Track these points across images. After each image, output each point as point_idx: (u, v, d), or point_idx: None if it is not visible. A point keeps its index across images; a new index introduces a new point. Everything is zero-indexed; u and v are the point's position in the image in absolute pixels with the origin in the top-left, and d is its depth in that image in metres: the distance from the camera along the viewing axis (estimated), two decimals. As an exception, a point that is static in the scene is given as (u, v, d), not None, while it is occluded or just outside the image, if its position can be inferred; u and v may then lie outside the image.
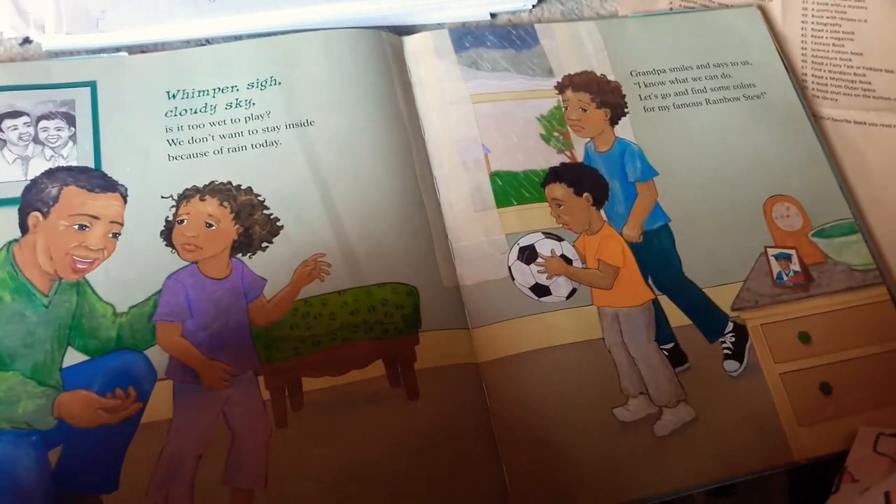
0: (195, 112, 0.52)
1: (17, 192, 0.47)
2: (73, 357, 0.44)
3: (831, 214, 0.55)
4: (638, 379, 0.47)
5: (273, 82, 0.53)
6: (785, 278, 0.52)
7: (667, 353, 0.49)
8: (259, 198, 0.49)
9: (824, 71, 0.63)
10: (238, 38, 0.57)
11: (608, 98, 0.57)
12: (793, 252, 0.53)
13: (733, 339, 0.49)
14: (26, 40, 0.56)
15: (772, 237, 0.53)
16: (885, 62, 0.63)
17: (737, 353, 0.49)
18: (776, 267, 0.52)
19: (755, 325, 0.50)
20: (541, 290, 0.49)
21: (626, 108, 0.57)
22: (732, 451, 0.46)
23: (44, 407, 0.42)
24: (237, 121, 0.52)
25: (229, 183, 0.49)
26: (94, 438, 0.42)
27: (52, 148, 0.49)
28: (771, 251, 0.53)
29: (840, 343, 0.50)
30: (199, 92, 0.53)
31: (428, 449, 0.44)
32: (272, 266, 0.47)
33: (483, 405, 0.46)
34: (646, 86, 0.58)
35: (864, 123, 0.60)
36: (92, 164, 0.49)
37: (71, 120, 0.50)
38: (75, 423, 0.42)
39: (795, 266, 0.52)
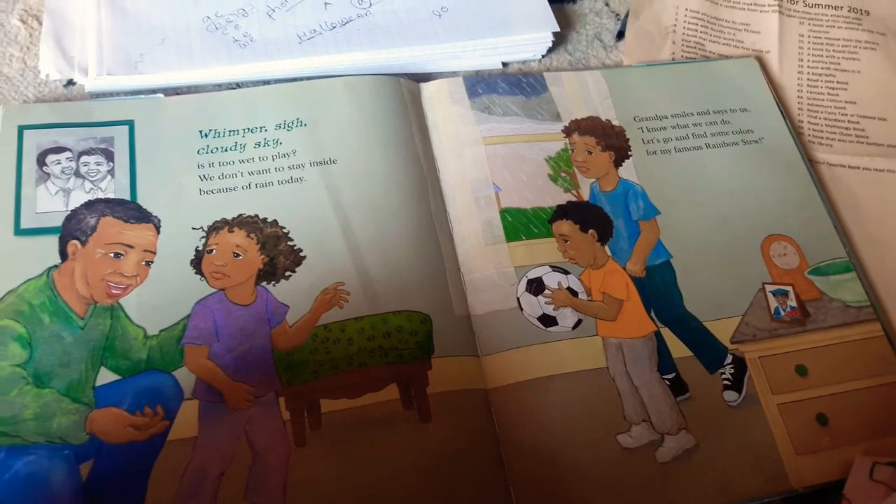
0: (226, 150, 0.55)
1: (58, 222, 0.50)
2: (105, 376, 0.46)
3: (827, 253, 0.57)
4: (641, 407, 0.49)
5: (299, 123, 0.57)
6: (782, 313, 0.54)
7: (668, 383, 0.50)
8: (284, 230, 0.52)
9: (820, 118, 0.66)
10: (266, 82, 0.61)
11: (612, 142, 0.60)
12: (790, 289, 0.55)
13: (732, 371, 0.51)
14: (70, 82, 0.60)
15: (769, 274, 0.56)
16: (878, 110, 0.66)
17: (736, 384, 0.51)
18: (773, 302, 0.54)
19: (753, 357, 0.52)
20: (548, 321, 0.51)
21: (630, 151, 0.60)
22: (732, 478, 0.47)
23: (77, 423, 0.44)
24: (265, 159, 0.55)
25: (256, 216, 0.52)
26: (123, 454, 0.44)
27: (92, 181, 0.53)
28: (769, 287, 0.55)
29: (836, 376, 0.52)
30: (230, 132, 0.56)
31: (439, 470, 0.45)
32: (294, 294, 0.50)
33: (492, 429, 0.47)
34: (648, 130, 0.61)
35: (858, 168, 0.63)
36: (128, 197, 0.52)
37: (110, 156, 0.54)
38: (106, 439, 0.44)
39: (792, 302, 0.55)
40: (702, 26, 0.71)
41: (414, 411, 0.47)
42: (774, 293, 0.55)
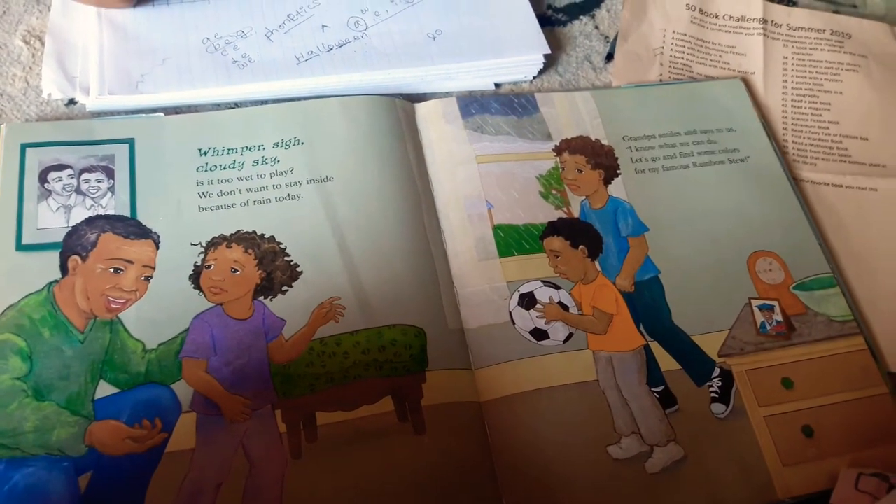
0: (224, 168, 0.56)
1: (59, 238, 0.51)
2: (104, 389, 0.47)
3: (811, 269, 0.58)
4: (630, 419, 0.50)
5: (296, 142, 0.58)
6: (768, 327, 0.55)
7: (657, 396, 0.51)
8: (281, 246, 0.53)
9: (804, 137, 0.68)
10: (265, 102, 0.62)
11: (602, 160, 0.62)
12: (775, 303, 0.56)
13: (720, 384, 0.52)
14: (72, 101, 0.61)
15: (755, 289, 0.57)
16: (860, 130, 0.68)
17: (723, 397, 0.52)
18: (760, 317, 0.56)
19: (740, 370, 0.53)
20: (539, 334, 0.52)
21: (619, 169, 0.61)
22: (720, 488, 0.48)
23: (76, 435, 0.45)
24: (263, 176, 0.56)
25: (254, 232, 0.53)
26: (121, 466, 0.44)
27: (93, 198, 0.53)
28: (755, 302, 0.56)
29: (821, 389, 0.53)
30: (229, 150, 0.57)
31: (433, 481, 0.46)
32: (291, 308, 0.51)
33: (485, 441, 0.48)
34: (637, 149, 0.63)
35: (841, 186, 0.65)
36: (128, 214, 0.53)
37: (110, 173, 0.55)
38: (105, 451, 0.45)
39: (778, 316, 0.56)
40: (689, 48, 0.73)
41: (408, 424, 0.48)
42: (760, 308, 0.56)
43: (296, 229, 0.54)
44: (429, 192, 0.58)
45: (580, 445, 0.49)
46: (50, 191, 0.53)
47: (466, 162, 0.59)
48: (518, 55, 0.66)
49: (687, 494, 0.48)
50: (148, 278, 0.51)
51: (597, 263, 0.56)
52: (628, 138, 0.63)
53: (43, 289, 0.49)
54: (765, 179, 0.63)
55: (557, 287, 0.55)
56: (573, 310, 0.54)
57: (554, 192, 0.59)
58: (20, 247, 0.51)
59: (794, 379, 0.53)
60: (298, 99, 0.62)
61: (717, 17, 0.75)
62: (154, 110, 0.60)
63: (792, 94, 0.71)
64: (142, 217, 0.53)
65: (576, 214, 0.58)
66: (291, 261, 0.52)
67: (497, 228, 0.56)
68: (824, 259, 0.59)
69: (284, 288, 0.51)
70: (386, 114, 0.60)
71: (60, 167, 0.54)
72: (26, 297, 0.49)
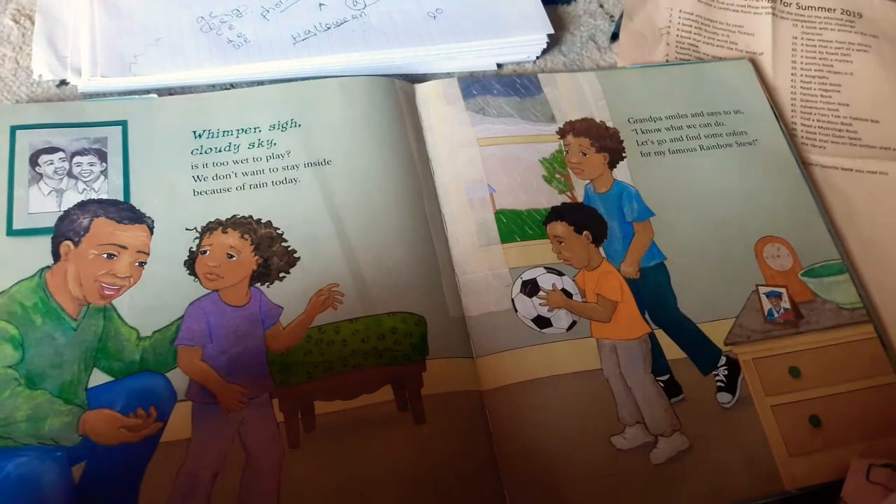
0: (219, 151, 0.55)
1: (50, 223, 0.50)
2: (98, 378, 0.46)
3: (820, 255, 0.57)
4: (634, 408, 0.49)
5: (293, 124, 0.57)
6: (776, 315, 0.54)
7: (662, 385, 0.51)
8: (278, 231, 0.52)
9: (813, 120, 0.66)
10: (260, 83, 0.60)
11: (607, 143, 0.60)
12: (783, 290, 0.55)
13: (726, 373, 0.52)
14: (63, 82, 0.59)
15: (763, 276, 0.56)
16: (870, 112, 0.66)
17: (729, 386, 0.51)
18: (767, 304, 0.54)
19: (747, 359, 0.52)
20: (542, 322, 0.51)
21: (624, 152, 0.60)
22: (725, 479, 0.47)
23: (69, 424, 0.44)
24: (259, 159, 0.55)
25: (250, 217, 0.52)
26: (115, 456, 0.44)
27: (85, 182, 0.52)
28: (762, 289, 0.55)
29: (829, 378, 0.52)
30: (224, 132, 0.56)
31: (433, 471, 0.45)
32: (288, 295, 0.49)
33: (486, 430, 0.47)
34: (643, 132, 0.62)
35: (851, 170, 0.63)
36: (121, 198, 0.52)
37: (103, 156, 0.53)
38: (99, 441, 0.44)
39: (786, 304, 0.55)
40: (695, 28, 0.71)
41: (408, 413, 0.47)
42: (768, 295, 0.55)
43: (293, 214, 0.53)
44: (429, 176, 0.57)
45: (583, 435, 0.48)
46: (41, 174, 0.52)
47: (468, 145, 0.58)
48: (521, 34, 0.65)
49: (692, 485, 0.47)
50: (142, 264, 0.50)
51: (601, 249, 0.55)
52: (634, 120, 0.62)
53: (35, 275, 0.48)
54: (773, 163, 0.62)
55: (561, 274, 0.53)
56: (577, 297, 0.53)
57: (557, 175, 0.58)
58: (11, 232, 0.50)
59: (802, 368, 0.52)
60: (295, 80, 0.60)
61: (725, -5, 0.73)
62: (147, 92, 0.58)
63: (801, 75, 0.69)
64: (135, 201, 0.52)
65: (580, 199, 0.57)
66: (289, 246, 0.51)
67: (499, 213, 0.55)
68: (833, 245, 0.58)
69: (282, 274, 0.50)
70: (385, 95, 0.59)
71: (52, 150, 0.53)
72: (18, 283, 0.48)
